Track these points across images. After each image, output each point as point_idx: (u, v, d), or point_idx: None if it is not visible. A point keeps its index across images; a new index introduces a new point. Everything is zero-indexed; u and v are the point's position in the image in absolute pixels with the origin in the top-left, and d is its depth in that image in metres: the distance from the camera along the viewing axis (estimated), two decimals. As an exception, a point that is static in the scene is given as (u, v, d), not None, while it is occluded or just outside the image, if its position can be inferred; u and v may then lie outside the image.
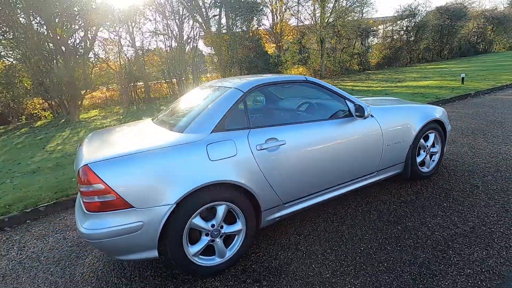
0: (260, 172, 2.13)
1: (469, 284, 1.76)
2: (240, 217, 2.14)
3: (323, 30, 18.31)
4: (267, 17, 19.10)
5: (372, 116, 2.77)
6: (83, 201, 1.83)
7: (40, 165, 5.02)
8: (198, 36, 16.42)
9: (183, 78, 15.15)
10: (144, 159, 1.82)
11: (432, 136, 3.30)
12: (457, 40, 27.45)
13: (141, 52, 15.37)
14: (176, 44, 15.17)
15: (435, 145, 3.38)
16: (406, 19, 24.18)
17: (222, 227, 2.08)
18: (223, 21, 16.82)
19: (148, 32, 15.54)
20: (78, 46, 11.57)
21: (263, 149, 2.15)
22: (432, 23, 24.66)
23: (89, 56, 12.56)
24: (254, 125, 2.23)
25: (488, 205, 2.57)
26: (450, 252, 2.04)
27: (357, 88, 11.53)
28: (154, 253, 1.88)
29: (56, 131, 8.61)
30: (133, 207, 1.76)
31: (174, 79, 15.47)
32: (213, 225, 2.02)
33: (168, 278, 2.07)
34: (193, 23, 15.77)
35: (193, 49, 16.26)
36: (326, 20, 18.70)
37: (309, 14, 19.58)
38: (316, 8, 19.04)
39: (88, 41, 11.94)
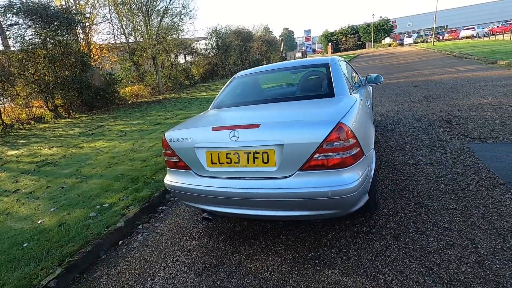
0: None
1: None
2: None
3: (152, 47, 18.00)
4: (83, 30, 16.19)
5: None
6: (343, 158, 1.83)
7: None
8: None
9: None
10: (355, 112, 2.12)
11: None
12: (251, 56, 34.95)
13: None
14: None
15: None
16: (216, 39, 28.07)
17: None
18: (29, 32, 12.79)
19: None
20: None
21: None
22: (234, 43, 30.04)
23: None
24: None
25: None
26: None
27: (207, 96, 12.50)
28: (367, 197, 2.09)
29: None
30: (364, 155, 2.00)
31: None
32: None
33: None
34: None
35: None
36: (153, 37, 18.49)
37: (138, 31, 18.52)
38: (142, 25, 18.35)
39: None
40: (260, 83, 3.29)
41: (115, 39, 19.40)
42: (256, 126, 1.96)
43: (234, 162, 2.05)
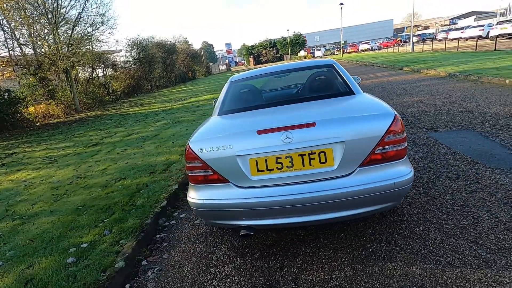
0: None
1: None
2: None
3: (66, 59, 15.65)
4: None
5: None
6: (399, 150, 1.87)
7: None
8: None
9: None
10: None
11: None
12: (176, 69, 33.81)
13: None
14: None
15: None
16: (137, 51, 26.21)
17: None
18: None
19: None
20: None
21: None
22: (158, 55, 28.59)
23: None
24: None
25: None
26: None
27: (142, 111, 11.55)
28: None
29: None
30: None
31: None
32: None
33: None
34: None
35: None
36: (63, 48, 16.08)
37: (43, 40, 15.65)
38: (49, 34, 15.70)
39: None
40: (267, 85, 3.15)
41: (8, 50, 16.12)
42: (312, 125, 1.84)
43: (287, 167, 1.87)
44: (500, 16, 49.74)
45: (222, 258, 2.30)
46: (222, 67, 51.37)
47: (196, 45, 48.49)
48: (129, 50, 26.19)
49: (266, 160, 1.88)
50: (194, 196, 2.07)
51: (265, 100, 2.80)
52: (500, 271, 1.73)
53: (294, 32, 55.83)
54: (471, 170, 2.96)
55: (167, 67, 31.23)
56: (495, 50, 13.79)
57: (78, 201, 3.70)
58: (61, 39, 16.18)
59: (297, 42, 54.75)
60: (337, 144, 1.82)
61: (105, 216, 3.15)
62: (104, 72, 22.79)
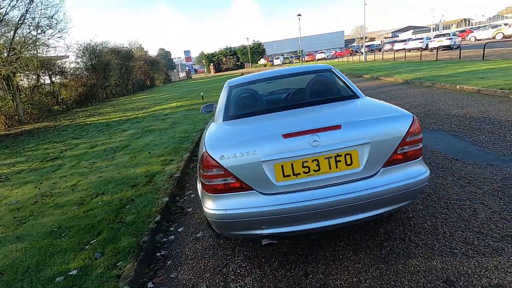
0: None
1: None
2: None
3: (8, 64, 13.98)
4: None
5: None
6: (416, 149, 1.95)
7: None
8: None
9: None
10: None
11: None
12: (134, 76, 32.20)
13: None
14: None
15: None
16: (90, 57, 24.42)
17: None
18: None
19: None
20: None
21: None
22: (114, 62, 26.95)
23: None
24: None
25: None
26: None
27: (101, 120, 10.75)
28: None
29: None
30: None
31: None
32: None
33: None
34: None
35: None
36: (4, 53, 14.37)
37: None
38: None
39: None
40: (268, 89, 3.09)
41: None
42: (338, 127, 1.83)
43: (313, 170, 1.84)
44: (433, 30, 56.17)
45: (239, 271, 2.17)
46: (182, 74, 50.21)
47: (152, 52, 46.58)
48: (80, 56, 24.29)
49: (292, 164, 1.83)
50: (213, 206, 1.92)
51: (271, 104, 2.75)
52: (511, 258, 1.88)
53: (254, 41, 57.00)
54: (454, 167, 3.22)
55: (123, 74, 29.59)
56: (436, 60, 15.47)
57: (51, 222, 3.25)
58: (0, 42, 14.46)
59: (257, 51, 55.85)
60: (363, 145, 1.84)
61: (90, 237, 2.80)
62: (52, 80, 20.78)
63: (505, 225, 2.19)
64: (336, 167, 1.85)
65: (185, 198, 3.62)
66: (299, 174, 1.84)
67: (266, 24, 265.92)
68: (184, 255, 2.48)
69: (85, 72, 24.30)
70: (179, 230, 2.90)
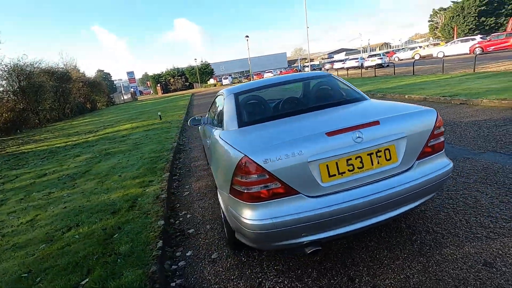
0: None
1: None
2: None
3: None
4: None
5: None
6: (440, 142, 2.04)
7: None
8: None
9: None
10: None
11: None
12: (72, 99, 29.32)
13: None
14: None
15: None
16: (17, 79, 21.61)
17: None
18: None
19: None
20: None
21: None
22: (48, 84, 24.26)
23: None
24: None
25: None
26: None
27: (42, 147, 9.43)
28: None
29: None
30: None
31: None
32: None
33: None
34: None
35: None
36: None
37: None
38: None
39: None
40: (272, 96, 3.01)
41: None
42: (377, 123, 1.84)
43: (358, 168, 1.81)
44: (362, 52, 63.29)
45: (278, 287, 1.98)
46: (126, 96, 47.44)
47: (90, 74, 42.82)
48: (5, 77, 21.35)
49: (337, 163, 1.77)
50: (255, 217, 1.74)
51: (284, 109, 2.68)
52: (528, 234, 2.06)
53: (202, 61, 56.93)
54: (438, 162, 3.51)
55: (59, 97, 26.72)
56: (375, 76, 17.34)
57: (15, 267, 2.61)
58: None
59: (206, 71, 55.83)
60: (400, 140, 1.88)
61: (79, 277, 2.31)
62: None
63: (506, 207, 2.41)
64: (378, 162, 1.84)
65: (181, 219, 3.27)
66: (344, 172, 1.79)
67: (210, 46, 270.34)
68: (205, 281, 2.19)
69: (11, 95, 21.38)
70: (187, 254, 2.57)
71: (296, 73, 3.52)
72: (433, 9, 50.23)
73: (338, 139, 1.77)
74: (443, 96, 7.07)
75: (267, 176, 1.70)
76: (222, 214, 2.76)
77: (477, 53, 20.52)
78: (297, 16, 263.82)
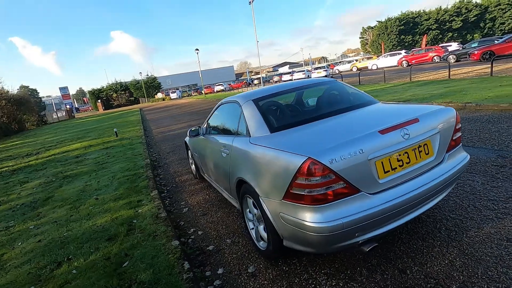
0: None
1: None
2: None
3: None
4: None
5: None
6: (459, 136, 2.23)
7: None
8: None
9: None
10: None
11: None
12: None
13: None
14: None
15: None
16: None
17: None
18: None
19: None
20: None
21: None
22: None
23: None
24: None
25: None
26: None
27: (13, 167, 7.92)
28: None
29: None
30: None
31: None
32: None
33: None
34: None
35: None
36: None
37: None
38: None
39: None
40: (289, 101, 3.00)
41: None
42: (416, 120, 1.99)
43: (406, 163, 1.92)
44: (304, 65, 67.69)
45: (336, 290, 1.95)
46: (60, 114, 42.58)
47: (12, 90, 37.02)
48: None
49: (389, 159, 1.86)
50: (323, 219, 1.70)
51: (308, 113, 2.69)
52: (528, 211, 2.40)
53: (147, 75, 54.39)
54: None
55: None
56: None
57: (1, 320, 2.11)
58: None
59: (152, 85, 53.40)
60: (435, 135, 2.05)
61: (101, 317, 1.96)
62: None
63: (499, 190, 2.79)
64: (420, 157, 1.98)
65: (192, 237, 3.03)
66: (396, 168, 1.88)
67: (154, 59, 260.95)
68: (252, 296, 2.05)
69: None
70: (218, 272, 2.38)
71: (295, 80, 3.61)
72: (363, 27, 56.55)
73: (390, 136, 1.86)
74: (408, 100, 7.93)
75: (334, 177, 1.70)
76: (246, 225, 2.65)
77: (405, 65, 23.64)
78: (239, 33, 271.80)
